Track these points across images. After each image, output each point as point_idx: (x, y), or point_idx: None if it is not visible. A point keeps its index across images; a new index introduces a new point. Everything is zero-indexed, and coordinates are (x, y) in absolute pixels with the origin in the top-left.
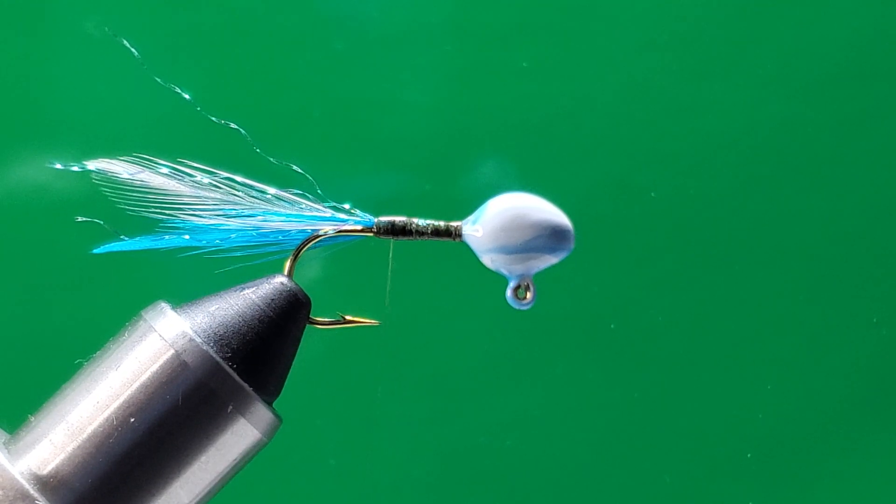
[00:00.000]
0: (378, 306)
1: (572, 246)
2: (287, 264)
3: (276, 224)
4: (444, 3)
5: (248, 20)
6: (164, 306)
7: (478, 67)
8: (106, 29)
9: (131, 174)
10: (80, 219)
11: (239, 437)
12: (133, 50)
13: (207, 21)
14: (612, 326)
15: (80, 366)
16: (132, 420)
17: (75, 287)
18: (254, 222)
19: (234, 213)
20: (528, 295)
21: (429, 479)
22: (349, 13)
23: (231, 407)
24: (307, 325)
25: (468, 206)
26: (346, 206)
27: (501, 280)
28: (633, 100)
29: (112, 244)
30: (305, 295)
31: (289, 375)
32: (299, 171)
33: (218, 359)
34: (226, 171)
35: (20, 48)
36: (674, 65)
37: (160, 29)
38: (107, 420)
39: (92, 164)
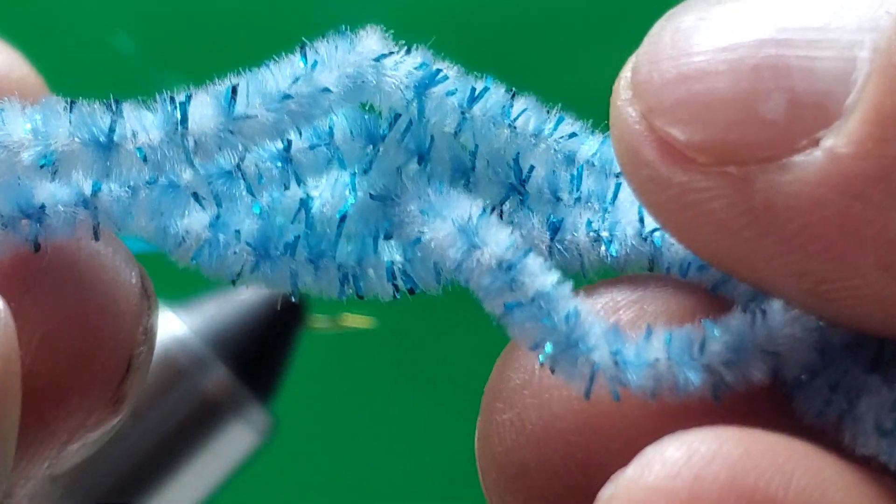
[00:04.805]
0: (375, 308)
1: None
2: None
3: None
4: (446, 2)
5: (244, 19)
6: (161, 307)
7: (480, 65)
8: (100, 25)
9: None
10: None
11: (234, 438)
12: (127, 46)
13: (204, 18)
14: None
15: None
16: (127, 421)
17: None
18: None
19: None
20: None
21: (430, 479)
22: (347, 11)
23: (227, 408)
24: (304, 326)
25: None
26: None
27: None
28: None
29: None
30: (302, 297)
31: (285, 377)
32: None
33: (214, 360)
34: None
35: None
36: None
37: (154, 26)
38: None
39: None
